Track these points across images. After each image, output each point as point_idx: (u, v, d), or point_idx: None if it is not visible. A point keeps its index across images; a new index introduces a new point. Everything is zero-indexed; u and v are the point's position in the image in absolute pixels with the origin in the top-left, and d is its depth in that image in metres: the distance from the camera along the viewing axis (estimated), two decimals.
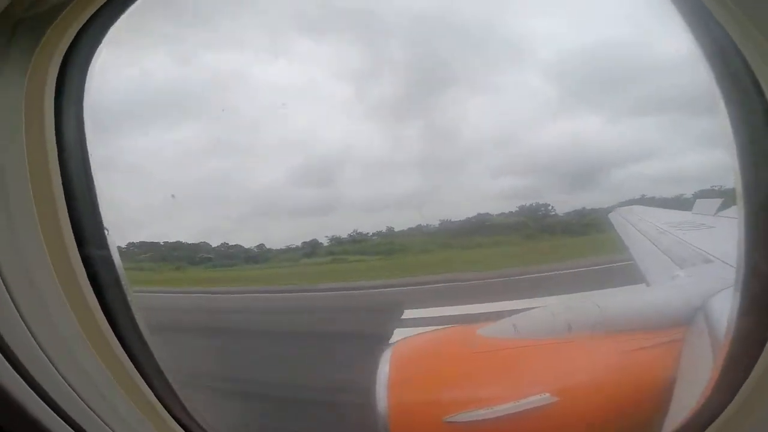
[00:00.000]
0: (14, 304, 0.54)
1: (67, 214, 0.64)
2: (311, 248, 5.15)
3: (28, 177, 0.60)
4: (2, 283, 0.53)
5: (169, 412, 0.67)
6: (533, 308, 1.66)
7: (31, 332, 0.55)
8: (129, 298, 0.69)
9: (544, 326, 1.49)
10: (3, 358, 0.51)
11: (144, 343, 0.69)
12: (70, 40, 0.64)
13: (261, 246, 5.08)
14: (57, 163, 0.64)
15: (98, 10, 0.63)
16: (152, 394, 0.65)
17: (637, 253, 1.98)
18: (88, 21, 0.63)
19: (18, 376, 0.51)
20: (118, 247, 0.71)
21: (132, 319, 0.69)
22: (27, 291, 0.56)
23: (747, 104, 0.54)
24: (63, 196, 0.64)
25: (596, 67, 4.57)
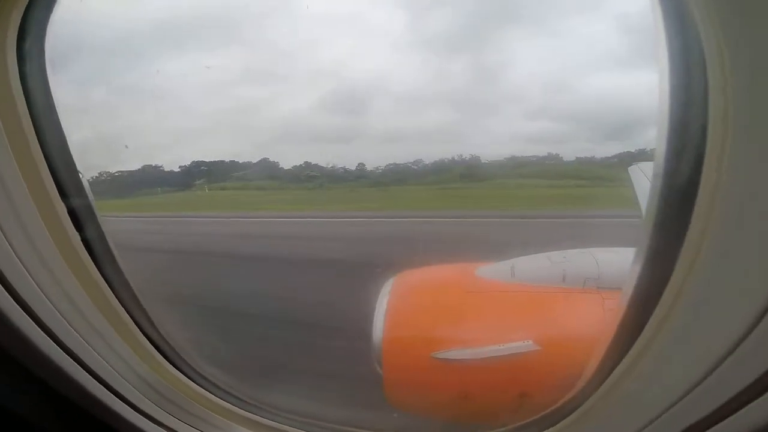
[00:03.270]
0: (6, 239, 0.63)
1: (44, 161, 0.71)
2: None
3: (3, 130, 0.65)
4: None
5: (141, 329, 0.79)
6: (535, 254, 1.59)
7: (20, 261, 0.65)
8: (102, 227, 0.78)
9: (540, 273, 1.44)
10: (10, 297, 0.62)
11: (117, 266, 0.79)
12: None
13: (361, 166, 5.05)
14: (27, 113, 0.68)
15: None
16: (126, 312, 0.77)
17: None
18: None
19: (10, 297, 0.62)
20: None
21: (106, 245, 0.79)
22: (17, 229, 0.65)
23: None
24: (37, 142, 0.70)
25: None
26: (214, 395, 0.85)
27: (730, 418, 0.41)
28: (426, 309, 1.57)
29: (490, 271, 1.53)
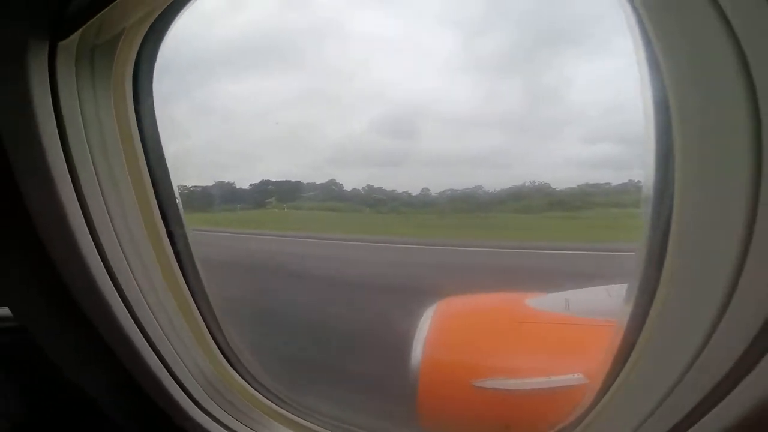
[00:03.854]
0: (119, 243, 0.80)
1: (152, 189, 0.88)
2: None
3: (124, 162, 0.83)
4: (113, 232, 0.79)
5: (213, 338, 0.92)
6: (592, 287, 1.53)
7: (128, 262, 0.80)
8: (189, 241, 0.93)
9: (597, 306, 1.38)
10: (110, 280, 0.77)
11: (198, 275, 0.92)
12: (137, 48, 0.83)
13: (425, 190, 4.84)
14: (142, 150, 0.86)
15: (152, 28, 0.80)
16: (202, 320, 0.90)
17: None
18: (146, 35, 0.81)
19: (123, 305, 0.78)
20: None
21: (191, 256, 0.93)
22: (127, 236, 0.82)
23: None
24: (149, 175, 0.87)
25: None
26: (267, 399, 0.93)
27: (703, 420, 0.45)
28: (469, 336, 1.56)
29: (543, 302, 1.50)
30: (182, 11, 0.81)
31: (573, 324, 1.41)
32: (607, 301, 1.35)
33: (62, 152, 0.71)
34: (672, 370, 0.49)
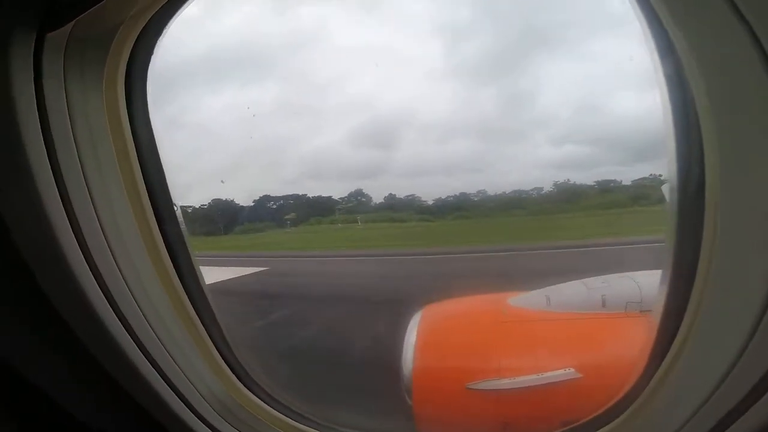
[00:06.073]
0: (117, 266, 0.71)
1: (147, 195, 0.80)
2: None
3: (116, 163, 0.76)
4: (105, 241, 0.71)
5: (221, 353, 0.85)
6: (569, 281, 1.61)
7: (128, 285, 0.72)
8: (195, 263, 0.85)
9: (577, 300, 1.46)
10: (110, 307, 0.69)
11: (207, 301, 0.85)
12: (132, 45, 0.76)
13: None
14: (136, 153, 0.78)
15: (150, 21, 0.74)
16: (209, 339, 0.83)
17: None
18: (145, 27, 0.75)
19: (117, 319, 0.69)
20: None
21: (197, 279, 0.85)
22: (119, 247, 0.73)
23: None
24: (142, 176, 0.79)
25: None
26: (285, 416, 0.87)
27: (755, 406, 0.47)
28: (457, 340, 1.58)
29: (524, 300, 1.55)
30: (183, 7, 0.76)
31: (555, 319, 1.47)
32: (585, 294, 1.44)
33: (45, 150, 0.62)
34: (716, 366, 0.50)
